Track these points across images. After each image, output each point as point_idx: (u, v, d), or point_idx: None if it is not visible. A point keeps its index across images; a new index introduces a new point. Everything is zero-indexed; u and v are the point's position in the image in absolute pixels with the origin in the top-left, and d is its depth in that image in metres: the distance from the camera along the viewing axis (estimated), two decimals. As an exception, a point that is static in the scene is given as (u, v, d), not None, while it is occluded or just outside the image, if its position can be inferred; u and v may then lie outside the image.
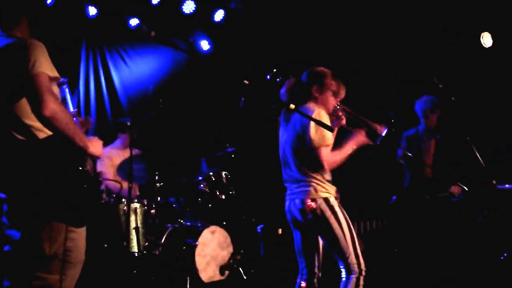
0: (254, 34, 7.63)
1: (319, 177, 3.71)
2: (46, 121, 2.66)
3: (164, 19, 7.58)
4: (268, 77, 3.35)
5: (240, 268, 5.81)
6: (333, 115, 3.90)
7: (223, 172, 6.16)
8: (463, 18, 6.85)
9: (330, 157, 3.68)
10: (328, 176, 3.78)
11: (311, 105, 3.76)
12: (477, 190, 5.57)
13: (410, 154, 5.62)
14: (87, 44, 7.42)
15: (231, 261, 5.77)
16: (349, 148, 3.78)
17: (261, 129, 6.91)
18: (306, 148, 3.67)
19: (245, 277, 5.79)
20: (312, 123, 3.57)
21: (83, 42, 7.39)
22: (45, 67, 2.71)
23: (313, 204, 3.64)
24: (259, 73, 3.53)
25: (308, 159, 3.69)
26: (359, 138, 3.85)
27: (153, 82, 7.41)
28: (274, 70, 3.30)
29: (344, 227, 3.66)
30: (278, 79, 3.38)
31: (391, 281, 5.43)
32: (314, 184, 3.68)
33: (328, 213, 3.65)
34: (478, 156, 4.81)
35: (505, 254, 5.38)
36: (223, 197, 6.05)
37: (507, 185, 5.51)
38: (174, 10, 7.56)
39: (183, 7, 7.54)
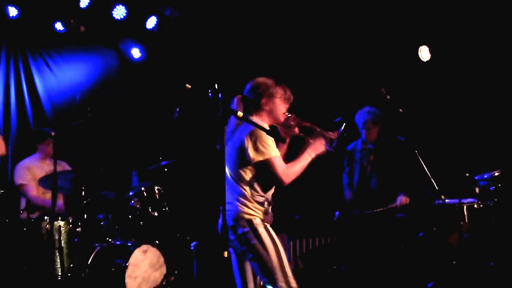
0: (189, 42, 7.35)
1: (247, 196, 3.44)
2: None
3: (93, 24, 7.18)
4: (210, 93, 3.06)
5: (175, 290, 5.44)
6: (284, 124, 3.65)
7: (156, 187, 5.78)
8: (402, 31, 6.83)
9: (286, 168, 3.45)
10: (261, 194, 3.49)
11: (257, 119, 3.56)
12: (423, 205, 5.49)
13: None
14: (8, 47, 6.89)
15: (164, 282, 5.38)
16: (307, 156, 3.56)
17: (197, 141, 6.65)
18: (244, 163, 3.41)
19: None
20: (257, 135, 3.33)
21: (3, 45, 6.85)
22: None
23: (238, 226, 3.38)
24: (198, 82, 3.23)
25: (245, 174, 3.42)
26: (317, 146, 3.62)
27: (80, 90, 7.01)
28: (215, 86, 3.03)
29: (269, 250, 3.38)
30: (220, 95, 3.11)
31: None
32: (239, 204, 3.43)
33: (252, 237, 3.38)
34: (426, 169, 4.69)
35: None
36: (156, 213, 5.68)
37: (452, 200, 5.43)
38: (103, 15, 7.16)
39: (113, 12, 7.14)
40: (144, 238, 5.55)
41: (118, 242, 5.50)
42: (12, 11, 6.57)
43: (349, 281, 5.47)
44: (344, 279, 5.53)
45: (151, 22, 7.42)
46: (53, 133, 5.29)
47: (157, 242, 5.59)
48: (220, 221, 3.26)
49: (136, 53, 7.59)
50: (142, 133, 7.21)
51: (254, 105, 3.60)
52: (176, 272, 5.52)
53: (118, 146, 7.10)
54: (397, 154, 5.56)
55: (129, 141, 7.15)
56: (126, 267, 5.07)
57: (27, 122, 6.92)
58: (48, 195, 5.32)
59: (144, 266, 5.27)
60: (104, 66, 7.54)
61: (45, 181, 5.39)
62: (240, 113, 3.09)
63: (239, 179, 3.46)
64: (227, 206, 3.32)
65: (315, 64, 6.99)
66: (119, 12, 7.15)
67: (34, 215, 5.49)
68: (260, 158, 3.40)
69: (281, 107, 3.64)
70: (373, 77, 6.55)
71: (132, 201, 5.63)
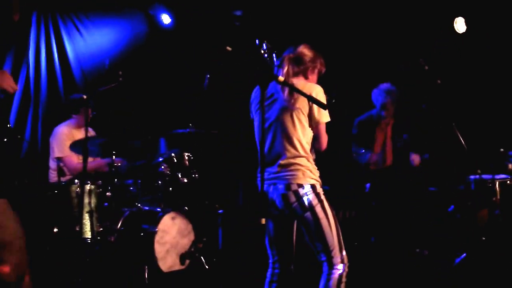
0: (219, 8, 7.24)
1: (308, 160, 3.38)
2: None
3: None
4: (257, 41, 3.02)
5: (202, 257, 5.42)
6: None
7: (186, 154, 5.74)
8: (437, 3, 6.66)
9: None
10: (314, 158, 3.47)
11: (304, 81, 3.51)
12: (455, 179, 5.41)
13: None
14: (39, 11, 6.83)
15: (192, 249, 5.37)
16: None
17: (227, 108, 6.60)
18: (301, 127, 3.36)
19: (207, 267, 5.40)
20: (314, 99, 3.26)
21: (35, 8, 6.79)
22: None
23: (300, 190, 3.30)
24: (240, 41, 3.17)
25: (307, 137, 3.38)
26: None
27: (110, 55, 6.93)
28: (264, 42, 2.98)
29: (330, 218, 3.35)
30: (265, 47, 3.06)
31: (370, 276, 5.15)
32: (302, 168, 3.34)
33: (315, 201, 3.32)
34: (462, 142, 4.59)
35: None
36: (185, 180, 5.64)
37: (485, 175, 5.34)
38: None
39: (144, -23, 7.06)
40: (172, 205, 5.54)
41: (146, 208, 5.49)
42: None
43: (377, 254, 5.42)
44: (372, 251, 5.48)
45: (181, -13, 7.33)
46: (84, 97, 5.26)
47: (186, 208, 5.58)
48: (264, 188, 3.23)
49: (166, 18, 7.51)
50: (171, 100, 7.17)
51: (297, 72, 3.55)
52: (204, 239, 5.50)
53: (147, 112, 7.06)
54: (419, 122, 5.50)
55: (159, 107, 7.11)
56: (155, 232, 5.07)
57: (57, 87, 6.89)
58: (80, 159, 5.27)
59: (173, 232, 5.27)
60: (134, 32, 7.46)
61: (75, 147, 5.36)
62: (281, 78, 3.03)
63: (299, 141, 3.41)
64: (280, 173, 3.30)
65: (349, 33, 6.85)
66: (149, -23, 7.09)
67: (65, 178, 5.51)
68: (323, 120, 3.40)
69: (316, 80, 3.65)
70: (409, 48, 6.42)
71: (162, 167, 5.59)
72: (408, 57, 5.73)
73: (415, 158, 5.56)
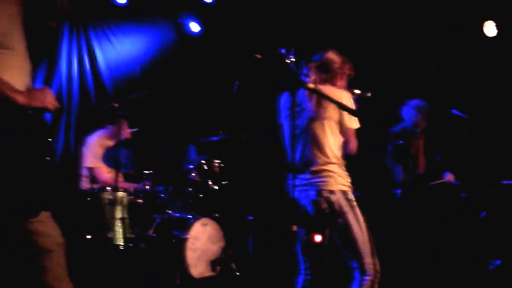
0: (247, 15, 7.28)
1: (339, 167, 3.38)
2: None
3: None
4: (284, 51, 3.04)
5: (233, 264, 5.44)
6: None
7: (216, 161, 5.78)
8: (466, 6, 6.60)
9: None
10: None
11: (333, 88, 3.52)
12: (486, 184, 5.36)
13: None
14: (71, 21, 6.96)
15: (223, 256, 5.40)
16: None
17: (257, 114, 6.61)
18: (331, 134, 3.37)
19: (237, 273, 5.42)
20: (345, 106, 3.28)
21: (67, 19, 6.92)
22: None
23: (331, 196, 3.31)
24: (268, 49, 3.19)
25: (333, 145, 3.39)
26: None
27: (140, 63, 7.03)
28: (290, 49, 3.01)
29: (361, 224, 3.35)
30: (291, 56, 3.08)
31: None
32: (334, 175, 3.35)
33: (347, 208, 3.32)
34: (495, 148, 4.55)
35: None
36: (216, 187, 5.68)
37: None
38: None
39: (173, -15, 7.15)
40: (203, 211, 5.58)
41: (177, 215, 5.54)
42: (75, -15, 6.63)
43: (409, 260, 5.37)
44: (403, 257, 5.43)
45: (210, -5, 7.39)
46: (116, 105, 5.33)
47: (216, 215, 5.61)
48: (295, 195, 3.25)
49: (194, 26, 7.58)
50: (201, 107, 7.21)
51: (325, 79, 3.56)
52: (234, 246, 5.52)
53: (177, 119, 7.12)
54: (451, 130, 5.46)
55: (188, 114, 7.16)
56: (187, 239, 5.11)
57: (89, 95, 6.99)
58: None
59: (204, 239, 5.30)
60: (163, 40, 7.55)
61: (108, 158, 5.41)
62: (311, 85, 3.06)
63: (330, 148, 3.42)
64: (311, 179, 3.31)
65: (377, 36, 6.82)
66: (178, -15, 7.18)
67: (96, 186, 5.56)
68: (353, 127, 3.42)
69: (345, 86, 3.67)
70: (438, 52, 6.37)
71: (192, 174, 5.63)
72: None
73: (449, 176, 5.52)
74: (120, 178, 5.81)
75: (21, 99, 2.40)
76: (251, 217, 6.08)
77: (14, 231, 2.46)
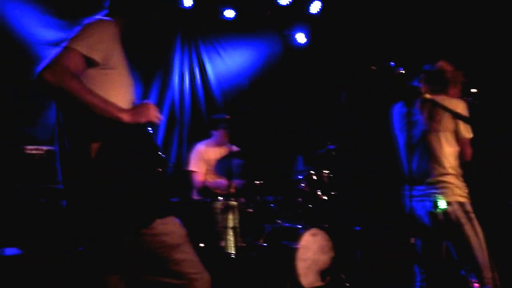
0: (353, 26, 7.25)
1: (456, 178, 3.31)
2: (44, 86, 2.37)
3: (260, 10, 7.35)
4: (392, 64, 3.03)
5: (342, 275, 5.41)
6: None
7: (325, 171, 5.78)
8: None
9: None
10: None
11: (447, 98, 3.46)
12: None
13: None
14: (183, 36, 7.25)
15: (332, 266, 5.38)
16: None
17: (366, 124, 6.57)
18: (447, 145, 3.31)
19: (347, 284, 5.39)
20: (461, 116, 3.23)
21: (178, 34, 7.21)
22: (79, 44, 2.48)
23: (447, 207, 3.24)
24: (380, 61, 3.17)
25: (450, 156, 3.32)
26: None
27: (248, 75, 7.19)
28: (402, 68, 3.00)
29: (479, 237, 3.25)
30: (400, 68, 3.06)
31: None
32: (451, 186, 3.28)
33: (464, 219, 3.24)
34: None
35: None
36: (325, 197, 5.68)
37: None
38: (269, 1, 7.32)
39: (279, -2, 7.26)
40: (312, 221, 5.60)
41: (287, 224, 5.59)
42: (187, 2, 6.88)
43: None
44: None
45: (315, 7, 7.43)
46: (228, 117, 5.48)
47: (326, 225, 5.61)
48: (411, 206, 3.21)
49: (301, 38, 7.66)
50: (308, 118, 7.25)
51: (438, 89, 3.51)
52: (344, 256, 5.50)
53: (284, 130, 7.20)
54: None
55: (295, 125, 7.22)
56: (297, 249, 5.14)
57: (200, 108, 7.24)
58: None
59: (314, 249, 5.31)
60: (269, 52, 7.68)
61: (220, 167, 5.58)
62: (428, 95, 3.02)
63: (447, 159, 3.38)
64: (427, 190, 3.26)
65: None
66: (285, -3, 7.28)
67: (208, 196, 5.74)
68: (468, 136, 3.40)
69: (458, 94, 3.62)
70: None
71: (302, 184, 5.67)
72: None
73: None
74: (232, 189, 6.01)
75: (126, 117, 2.51)
76: (358, 228, 6.04)
77: (138, 237, 2.60)
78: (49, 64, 2.37)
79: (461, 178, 3.38)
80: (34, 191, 4.55)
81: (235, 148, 5.96)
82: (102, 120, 2.47)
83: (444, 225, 3.27)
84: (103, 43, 2.56)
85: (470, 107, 3.54)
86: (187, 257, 2.72)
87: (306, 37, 7.67)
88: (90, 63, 2.52)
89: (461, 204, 3.28)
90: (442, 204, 3.23)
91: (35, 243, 4.51)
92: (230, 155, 5.19)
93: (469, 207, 3.31)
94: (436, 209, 3.26)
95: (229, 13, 7.26)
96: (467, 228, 3.25)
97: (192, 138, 6.75)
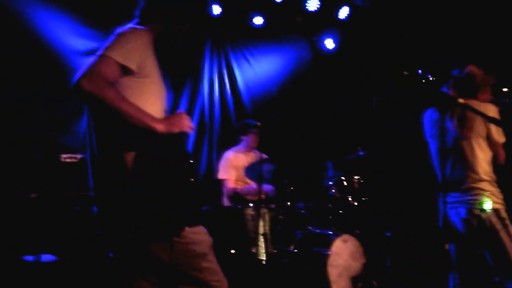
0: (382, 31, 7.23)
1: (490, 184, 3.29)
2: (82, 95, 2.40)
3: (288, 17, 7.38)
4: (421, 72, 3.01)
5: (374, 281, 5.39)
6: None
7: (355, 177, 5.76)
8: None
9: None
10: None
11: (477, 103, 3.43)
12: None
13: None
14: (212, 43, 7.31)
15: (364, 272, 5.36)
16: None
17: (396, 130, 6.53)
18: (480, 151, 3.29)
19: (379, 291, 5.37)
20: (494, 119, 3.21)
21: (208, 42, 7.27)
22: (114, 53, 2.50)
23: (482, 214, 3.22)
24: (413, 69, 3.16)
25: (483, 162, 3.30)
26: None
27: (276, 82, 7.21)
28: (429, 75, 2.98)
29: None
30: (429, 75, 3.04)
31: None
32: (485, 192, 3.26)
33: (499, 226, 3.21)
34: None
35: None
36: (356, 203, 5.66)
37: None
38: (297, 7, 7.33)
39: (307, 4, 7.29)
40: (343, 227, 5.58)
41: (318, 231, 5.58)
42: (216, 9, 6.94)
43: None
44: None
45: (344, 12, 7.44)
46: (259, 124, 5.51)
47: (357, 231, 5.59)
48: (445, 212, 3.20)
49: (329, 43, 7.67)
50: (337, 124, 7.25)
51: (468, 94, 3.48)
52: (375, 263, 5.47)
53: (313, 136, 7.20)
54: None
55: (324, 131, 7.22)
56: (329, 255, 5.13)
57: (229, 114, 7.29)
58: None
59: (345, 255, 5.29)
60: (298, 58, 7.71)
61: (251, 171, 5.61)
62: (461, 100, 3.01)
63: (481, 165, 3.36)
64: (461, 197, 3.24)
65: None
66: (312, 4, 7.28)
67: (239, 204, 5.77)
68: (501, 140, 3.37)
69: (488, 98, 3.60)
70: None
71: (333, 190, 5.67)
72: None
73: None
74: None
75: (160, 127, 2.54)
76: (389, 234, 6.01)
77: (170, 245, 2.64)
78: (85, 72, 2.39)
79: (495, 184, 3.35)
80: (70, 199, 4.62)
81: (264, 156, 5.99)
82: (136, 129, 2.50)
83: (478, 232, 3.24)
84: (137, 52, 2.59)
85: (504, 108, 3.51)
86: (211, 266, 2.76)
87: (334, 42, 7.68)
88: (125, 71, 2.54)
89: (495, 211, 3.25)
90: (487, 205, 3.21)
91: (69, 250, 4.59)
92: (260, 161, 5.20)
93: (504, 214, 3.28)
94: (481, 209, 3.23)
95: (258, 20, 7.29)
96: (502, 234, 3.23)
97: (222, 144, 6.80)
